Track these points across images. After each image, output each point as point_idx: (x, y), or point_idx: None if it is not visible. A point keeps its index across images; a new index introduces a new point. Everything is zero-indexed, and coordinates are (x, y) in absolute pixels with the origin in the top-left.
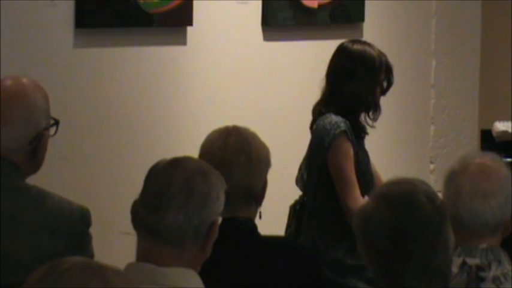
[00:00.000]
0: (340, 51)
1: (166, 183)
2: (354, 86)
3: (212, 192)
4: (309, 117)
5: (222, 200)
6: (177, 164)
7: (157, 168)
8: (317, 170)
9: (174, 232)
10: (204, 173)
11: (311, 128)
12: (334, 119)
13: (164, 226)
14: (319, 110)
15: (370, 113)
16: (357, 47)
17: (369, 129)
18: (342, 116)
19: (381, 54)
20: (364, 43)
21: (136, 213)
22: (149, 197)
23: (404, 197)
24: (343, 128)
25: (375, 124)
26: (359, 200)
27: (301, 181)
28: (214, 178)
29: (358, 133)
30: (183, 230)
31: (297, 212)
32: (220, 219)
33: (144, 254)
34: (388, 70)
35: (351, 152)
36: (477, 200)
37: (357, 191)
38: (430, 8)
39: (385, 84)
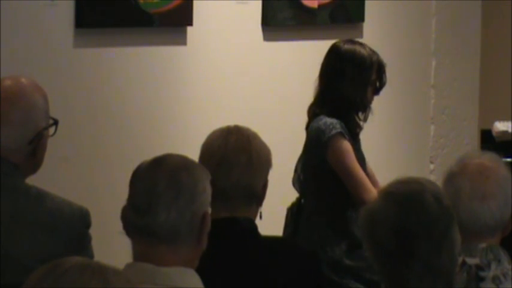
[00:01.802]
0: (331, 51)
1: (152, 182)
2: (343, 86)
3: (198, 184)
4: None
5: (208, 191)
6: (160, 162)
7: (140, 170)
8: (313, 170)
9: (168, 230)
10: (187, 167)
11: (306, 128)
12: (328, 121)
13: (157, 226)
14: (313, 111)
15: (360, 114)
16: (347, 46)
17: (369, 129)
18: (335, 116)
19: (373, 54)
20: (356, 43)
21: (127, 218)
22: (137, 199)
23: (412, 197)
24: (339, 130)
25: (376, 124)
26: (373, 191)
27: (298, 182)
28: (198, 170)
29: (352, 133)
30: (177, 226)
31: (294, 213)
32: (210, 210)
33: (141, 258)
34: (380, 69)
35: (351, 149)
36: (476, 202)
37: (368, 184)
38: (430, 8)
39: (377, 84)
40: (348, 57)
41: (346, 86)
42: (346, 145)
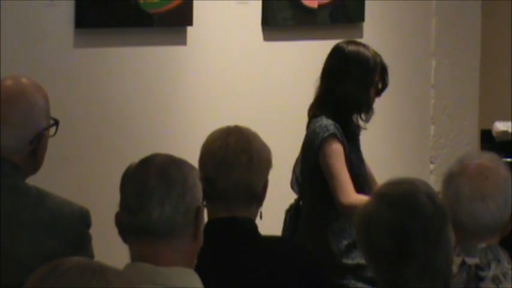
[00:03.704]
0: (334, 52)
1: (143, 181)
2: (346, 87)
3: (189, 178)
4: None
5: (199, 186)
6: (147, 161)
7: (129, 172)
8: (310, 172)
9: (164, 225)
10: (176, 162)
11: (307, 129)
12: (324, 123)
13: (153, 222)
14: (313, 112)
15: (362, 114)
16: (351, 47)
17: (369, 129)
18: (335, 117)
19: (376, 55)
20: (359, 44)
21: (122, 221)
22: (130, 200)
23: (406, 197)
24: (332, 131)
25: (376, 124)
26: (351, 194)
27: (296, 184)
28: (186, 166)
29: (351, 135)
30: (172, 221)
31: (292, 215)
32: (203, 206)
33: (139, 259)
34: (383, 71)
35: (341, 151)
36: (476, 203)
37: (349, 186)
38: (430, 8)
39: (380, 85)
40: (352, 58)
41: (351, 87)
42: (335, 146)
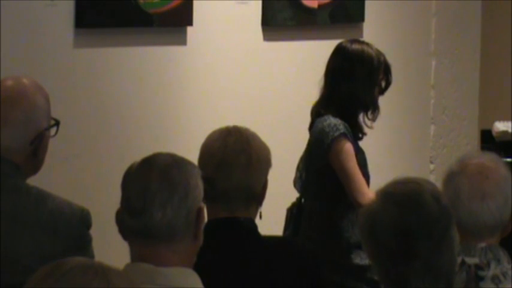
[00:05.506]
0: (338, 51)
1: (145, 183)
2: (352, 86)
3: (191, 180)
4: (309, 118)
5: (201, 186)
6: (150, 162)
7: (131, 171)
8: (316, 171)
9: (165, 229)
10: (178, 164)
11: (310, 129)
12: (333, 122)
13: (154, 226)
14: (317, 111)
15: (369, 114)
16: (355, 46)
17: (369, 130)
18: (341, 117)
19: (380, 54)
20: (363, 43)
21: (123, 221)
22: (132, 201)
23: (411, 196)
24: (342, 131)
25: (375, 124)
26: (368, 194)
27: (299, 182)
28: (189, 166)
29: (356, 134)
30: (173, 225)
31: (294, 214)
32: (204, 206)
33: (140, 259)
34: (386, 70)
35: (352, 150)
36: (475, 202)
37: (364, 186)
38: (430, 8)
39: (383, 84)
40: (357, 57)
41: (356, 86)
42: (348, 147)
